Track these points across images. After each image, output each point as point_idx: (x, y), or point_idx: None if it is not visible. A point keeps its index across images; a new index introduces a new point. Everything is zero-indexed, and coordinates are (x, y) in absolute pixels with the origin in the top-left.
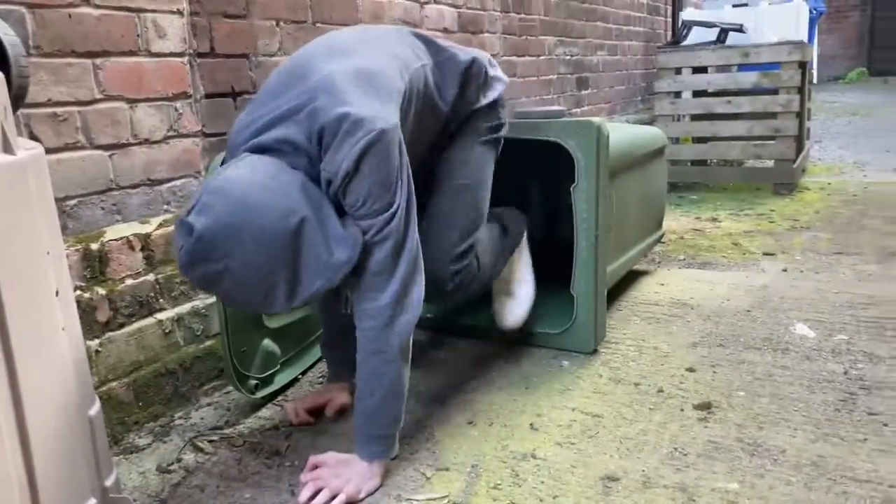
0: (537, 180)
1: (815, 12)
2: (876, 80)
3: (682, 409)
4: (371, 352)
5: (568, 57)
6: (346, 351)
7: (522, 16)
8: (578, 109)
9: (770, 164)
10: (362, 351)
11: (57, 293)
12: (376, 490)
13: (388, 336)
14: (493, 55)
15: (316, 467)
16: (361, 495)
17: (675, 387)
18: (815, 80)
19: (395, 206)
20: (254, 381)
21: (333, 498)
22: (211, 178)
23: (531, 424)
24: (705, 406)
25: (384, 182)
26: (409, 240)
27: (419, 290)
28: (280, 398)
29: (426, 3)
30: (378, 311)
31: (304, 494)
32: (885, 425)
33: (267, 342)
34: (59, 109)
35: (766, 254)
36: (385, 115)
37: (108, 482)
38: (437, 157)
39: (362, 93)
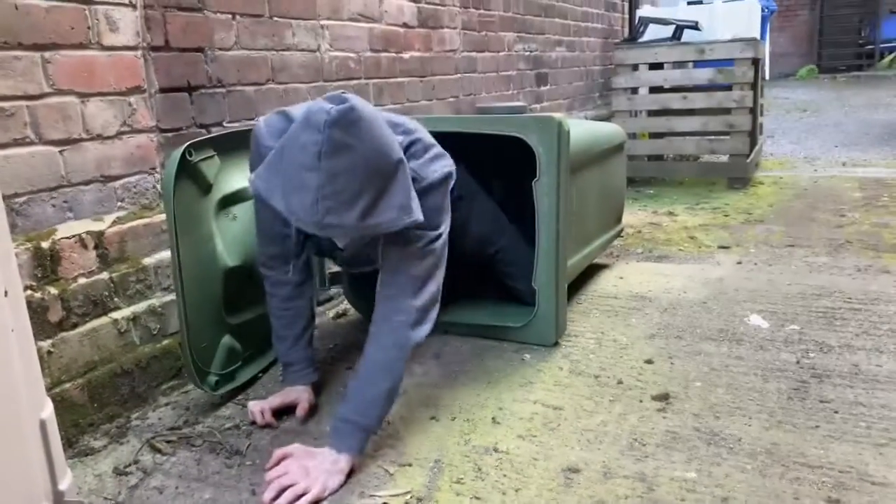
0: (498, 175)
1: (766, 10)
2: (825, 76)
3: (640, 401)
4: (392, 344)
5: (527, 53)
6: (309, 352)
7: (482, 11)
8: (538, 105)
9: (724, 158)
10: (384, 341)
11: (6, 293)
12: (341, 487)
13: (411, 335)
14: (453, 51)
15: (282, 460)
16: (326, 493)
17: (634, 378)
18: (767, 77)
19: (441, 229)
20: (214, 378)
21: (299, 497)
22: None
23: (493, 418)
24: (663, 397)
25: (443, 207)
26: (443, 266)
27: (436, 310)
28: (240, 397)
29: None
30: (411, 309)
31: (268, 495)
32: (836, 412)
33: (227, 338)
34: (5, 104)
35: (721, 247)
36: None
37: (63, 486)
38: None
39: (430, 138)
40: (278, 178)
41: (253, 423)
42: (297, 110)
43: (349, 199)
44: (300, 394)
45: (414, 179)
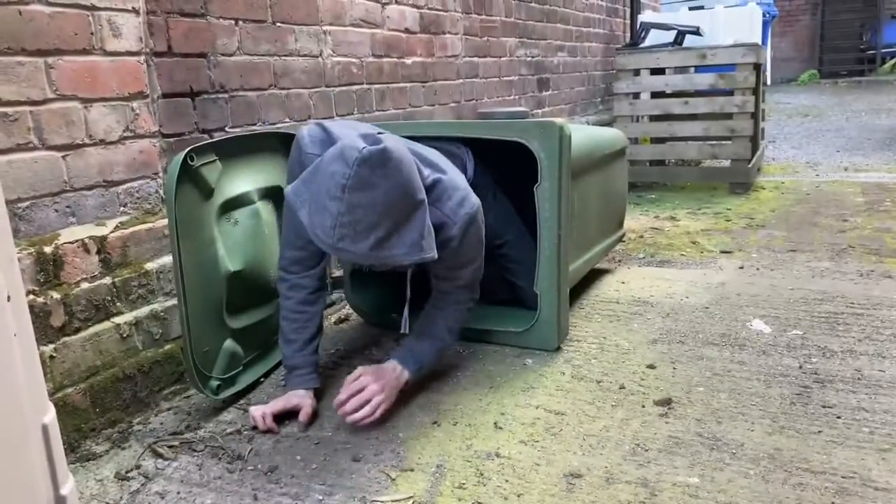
0: (500, 181)
1: (767, 15)
2: (827, 81)
3: (643, 406)
4: (457, 315)
5: (529, 58)
6: (315, 357)
7: (483, 17)
8: (539, 110)
9: (726, 163)
10: (450, 311)
11: (8, 298)
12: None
13: (469, 314)
14: (455, 56)
15: (357, 378)
16: (388, 404)
17: (636, 383)
18: (768, 82)
19: (479, 261)
20: (216, 382)
21: (366, 404)
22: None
23: (495, 423)
24: (666, 402)
25: (479, 242)
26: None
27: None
28: (242, 402)
29: (387, 3)
30: (468, 299)
31: (342, 395)
32: (839, 417)
33: (229, 343)
34: (9, 109)
35: (723, 252)
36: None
37: (65, 491)
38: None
39: (459, 177)
40: (308, 195)
41: (254, 427)
42: (333, 126)
43: (364, 230)
44: (302, 399)
45: (444, 224)
